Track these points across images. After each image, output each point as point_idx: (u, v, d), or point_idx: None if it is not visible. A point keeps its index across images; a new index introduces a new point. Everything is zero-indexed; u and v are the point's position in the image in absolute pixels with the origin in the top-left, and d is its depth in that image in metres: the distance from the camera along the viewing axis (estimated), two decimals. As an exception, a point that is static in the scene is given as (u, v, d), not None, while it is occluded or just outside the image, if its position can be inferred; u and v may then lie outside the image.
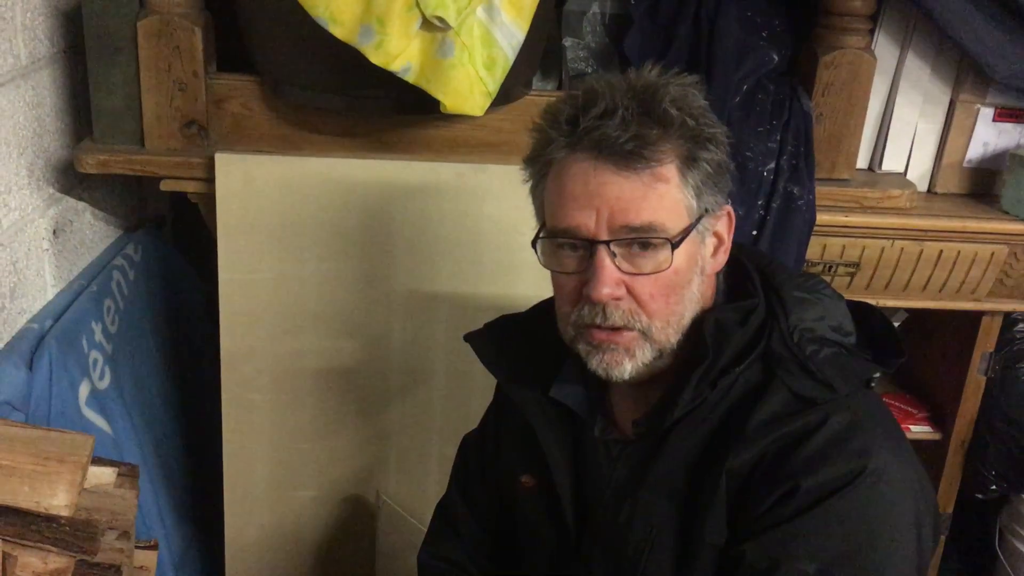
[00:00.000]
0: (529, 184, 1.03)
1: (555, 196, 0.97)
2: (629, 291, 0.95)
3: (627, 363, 0.97)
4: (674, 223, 0.94)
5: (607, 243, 0.93)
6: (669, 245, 0.93)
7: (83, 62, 1.49)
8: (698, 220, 0.96)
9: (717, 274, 1.03)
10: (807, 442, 0.92)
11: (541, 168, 1.00)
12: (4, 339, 1.37)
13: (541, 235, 1.00)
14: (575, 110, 0.95)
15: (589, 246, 0.95)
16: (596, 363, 0.98)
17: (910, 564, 0.93)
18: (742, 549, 0.92)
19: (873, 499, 0.90)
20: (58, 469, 0.96)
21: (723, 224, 1.00)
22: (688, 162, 0.94)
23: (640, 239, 0.93)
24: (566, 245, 0.97)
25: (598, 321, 0.96)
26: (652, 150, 0.92)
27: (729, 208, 1.00)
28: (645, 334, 0.96)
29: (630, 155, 0.91)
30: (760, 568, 0.91)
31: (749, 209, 1.53)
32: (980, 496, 1.92)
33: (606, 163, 0.92)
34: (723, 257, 1.01)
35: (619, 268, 0.94)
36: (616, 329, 0.96)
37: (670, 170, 0.93)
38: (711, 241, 0.99)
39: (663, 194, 0.93)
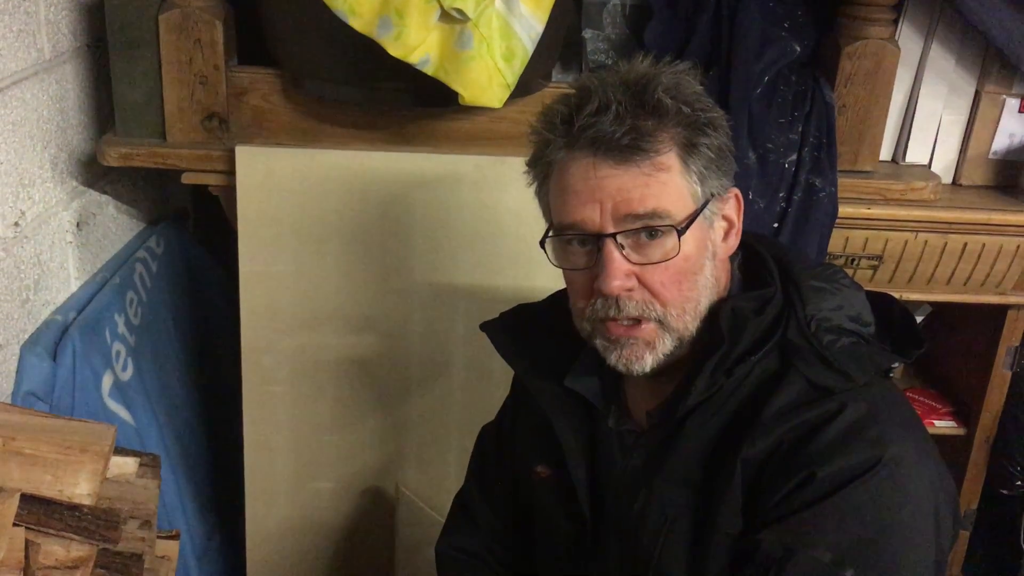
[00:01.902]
0: (534, 186, 1.03)
1: (558, 195, 0.97)
2: (641, 281, 0.95)
3: (648, 356, 0.97)
4: (679, 209, 0.94)
5: (614, 236, 0.93)
6: (675, 232, 0.93)
7: (106, 56, 1.50)
8: (704, 205, 0.95)
9: (732, 263, 1.02)
10: (823, 431, 0.91)
11: (542, 170, 1.00)
12: (28, 331, 1.38)
13: (549, 234, 1.00)
14: (569, 109, 0.95)
15: (596, 240, 0.95)
16: (615, 359, 0.98)
17: (927, 554, 0.92)
18: (757, 538, 0.92)
19: (890, 489, 0.90)
20: (80, 458, 0.97)
21: (731, 207, 1.00)
22: (688, 148, 0.94)
23: (646, 228, 0.93)
24: (574, 241, 0.97)
25: (612, 314, 0.95)
26: (649, 141, 0.92)
27: (736, 191, 1.00)
28: (662, 323, 0.96)
29: (628, 148, 0.92)
30: (775, 557, 0.90)
31: (770, 201, 1.52)
32: (1005, 492, 1.90)
33: (605, 158, 0.93)
34: (734, 240, 1.00)
35: (628, 259, 0.94)
36: (633, 323, 0.96)
37: (670, 158, 0.93)
38: (720, 225, 0.99)
39: (665, 182, 0.93)
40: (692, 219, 0.94)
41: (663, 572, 1.00)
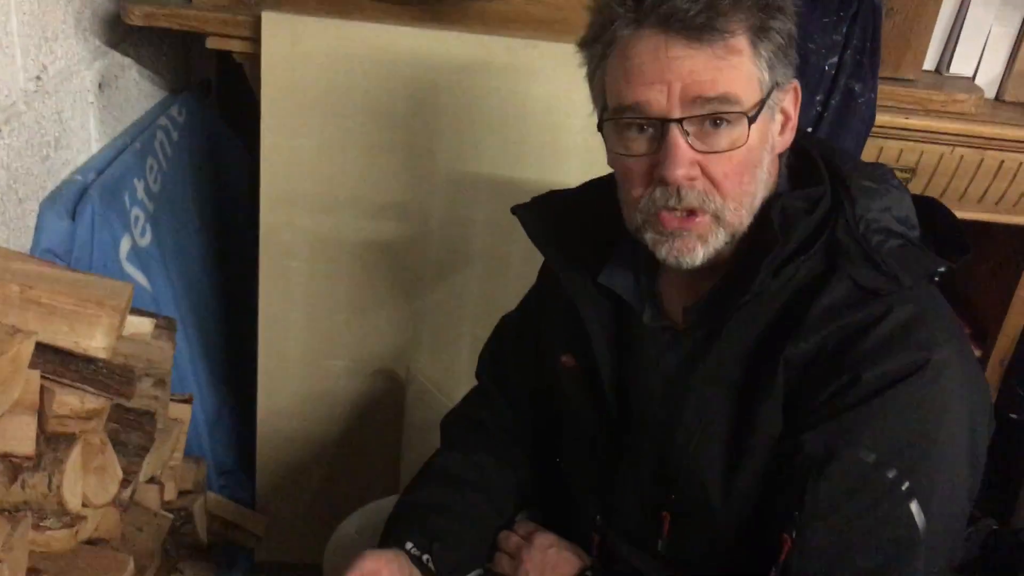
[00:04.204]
0: (586, 68, 0.98)
1: (621, 74, 0.93)
2: (703, 171, 0.91)
3: (699, 249, 0.94)
4: (748, 96, 0.90)
5: (680, 121, 0.90)
6: (745, 119, 0.90)
7: (132, -90, 1.45)
8: (769, 94, 0.92)
9: (781, 160, 0.99)
10: (869, 333, 0.90)
11: (603, 49, 0.95)
12: (48, 188, 1.37)
13: (606, 117, 0.96)
14: None
15: (660, 125, 0.91)
16: (666, 251, 0.95)
17: (964, 457, 0.91)
18: (800, 439, 0.91)
19: (934, 392, 0.89)
20: (97, 312, 0.97)
21: (790, 100, 0.96)
22: (759, 32, 0.90)
23: (715, 115, 0.90)
24: (634, 126, 0.93)
25: (671, 204, 0.92)
26: (724, 21, 0.88)
27: (796, 83, 0.96)
28: (718, 217, 0.93)
29: (702, 27, 0.88)
30: (818, 457, 0.89)
31: (807, 104, 1.47)
32: (1014, 416, 1.90)
33: (676, 37, 0.89)
34: (790, 135, 0.97)
35: (693, 147, 0.90)
36: (689, 214, 0.93)
37: (742, 41, 0.89)
38: (779, 118, 0.96)
39: (737, 65, 0.89)
40: (760, 107, 0.91)
41: (696, 471, 0.98)
